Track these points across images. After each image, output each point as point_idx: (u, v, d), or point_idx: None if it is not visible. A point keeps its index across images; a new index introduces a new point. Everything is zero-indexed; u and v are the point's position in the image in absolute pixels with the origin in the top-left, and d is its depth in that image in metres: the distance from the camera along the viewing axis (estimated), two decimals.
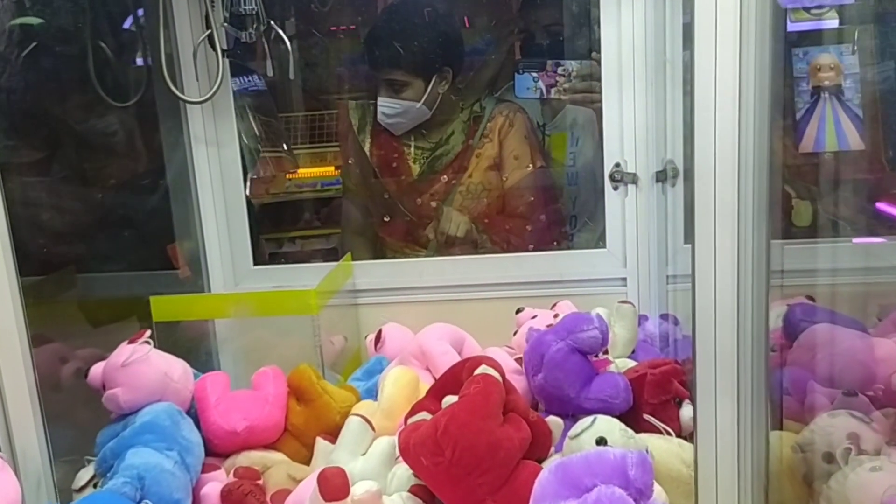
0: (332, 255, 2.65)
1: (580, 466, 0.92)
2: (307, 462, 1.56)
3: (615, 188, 1.99)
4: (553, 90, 2.32)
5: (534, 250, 2.25)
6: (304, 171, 2.75)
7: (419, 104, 2.18)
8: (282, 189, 2.72)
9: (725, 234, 1.21)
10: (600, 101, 2.12)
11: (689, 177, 1.85)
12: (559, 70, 2.31)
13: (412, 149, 2.28)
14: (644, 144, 1.93)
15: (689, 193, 1.82)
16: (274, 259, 2.63)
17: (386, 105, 2.19)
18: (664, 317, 1.93)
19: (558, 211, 2.39)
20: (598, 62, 2.17)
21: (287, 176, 2.73)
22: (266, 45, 2.01)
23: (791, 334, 1.48)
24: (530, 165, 2.28)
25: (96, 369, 1.47)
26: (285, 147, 2.62)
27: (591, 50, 2.24)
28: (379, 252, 2.38)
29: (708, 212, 1.21)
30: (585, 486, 0.90)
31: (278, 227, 2.77)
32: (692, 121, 1.20)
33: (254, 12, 1.89)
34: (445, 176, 2.25)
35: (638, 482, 0.89)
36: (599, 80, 2.18)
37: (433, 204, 2.27)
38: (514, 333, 1.83)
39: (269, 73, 2.09)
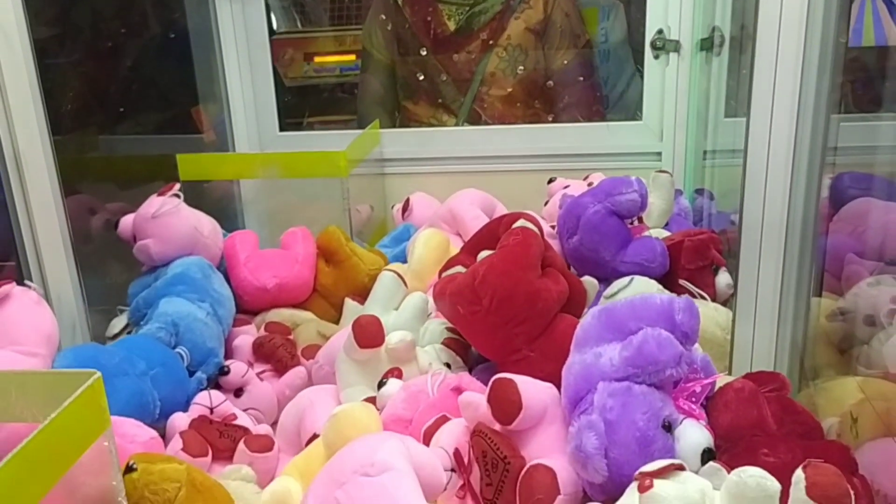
0: None
1: (625, 311, 0.91)
2: (335, 322, 1.57)
3: (656, 56, 1.90)
4: None
5: (568, 122, 2.19)
6: (323, 56, 2.67)
7: None
8: (300, 73, 2.64)
9: (784, 107, 1.15)
10: None
11: (736, 46, 1.77)
12: None
13: (447, 5, 2.20)
14: (690, 8, 1.83)
15: (735, 64, 1.76)
16: None
17: None
18: (699, 191, 1.88)
19: (594, 85, 2.31)
20: None
21: (305, 60, 2.65)
22: None
23: (837, 204, 1.43)
24: (573, 42, 2.19)
25: (126, 220, 1.46)
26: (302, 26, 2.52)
27: None
28: (402, 125, 2.32)
29: (767, 82, 1.14)
30: (630, 329, 0.88)
31: (297, 113, 2.70)
32: None
33: None
34: (484, 34, 2.17)
35: (684, 325, 0.87)
36: None
37: (469, 63, 2.18)
38: (546, 204, 1.80)
39: None
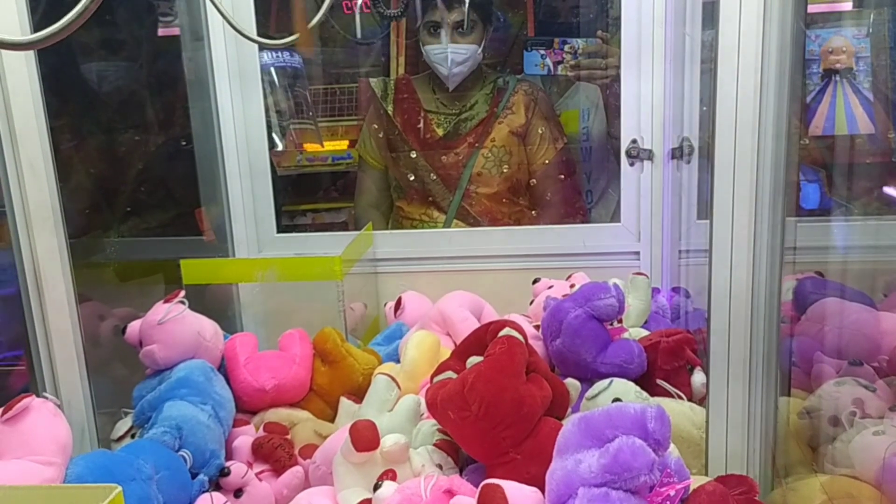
0: (343, 228, 2.70)
1: (602, 419, 0.99)
2: (331, 420, 1.63)
3: (631, 164, 2.04)
4: (560, 67, 2.38)
5: (551, 223, 2.31)
6: (315, 145, 2.79)
7: (479, 49, 2.26)
8: (293, 163, 2.76)
9: (743, 210, 1.25)
10: (604, 77, 2.20)
11: (704, 154, 1.91)
12: (565, 48, 2.37)
13: (435, 115, 2.35)
14: (661, 121, 1.98)
15: (704, 170, 1.89)
16: (286, 231, 2.68)
17: (456, 52, 2.23)
18: (676, 290, 1.98)
19: (575, 185, 2.44)
20: (604, 40, 2.28)
21: (298, 149, 2.77)
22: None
23: (801, 307, 1.53)
24: (553, 144, 2.34)
25: (133, 327, 1.54)
26: (310, 120, 2.66)
27: (597, 28, 2.31)
28: (395, 224, 2.44)
29: (726, 188, 1.25)
30: (607, 437, 0.96)
31: (290, 201, 2.81)
32: (713, 98, 1.24)
33: None
34: (470, 138, 2.31)
35: (656, 434, 0.95)
36: (604, 56, 2.25)
37: (457, 164, 2.32)
38: (531, 303, 1.89)
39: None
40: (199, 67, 2.08)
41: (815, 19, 2.07)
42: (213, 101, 2.10)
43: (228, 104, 2.11)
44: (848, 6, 2.08)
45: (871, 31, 2.05)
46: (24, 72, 1.27)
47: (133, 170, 2.15)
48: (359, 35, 2.77)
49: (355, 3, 2.52)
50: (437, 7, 2.17)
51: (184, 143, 2.17)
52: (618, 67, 2.05)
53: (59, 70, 1.87)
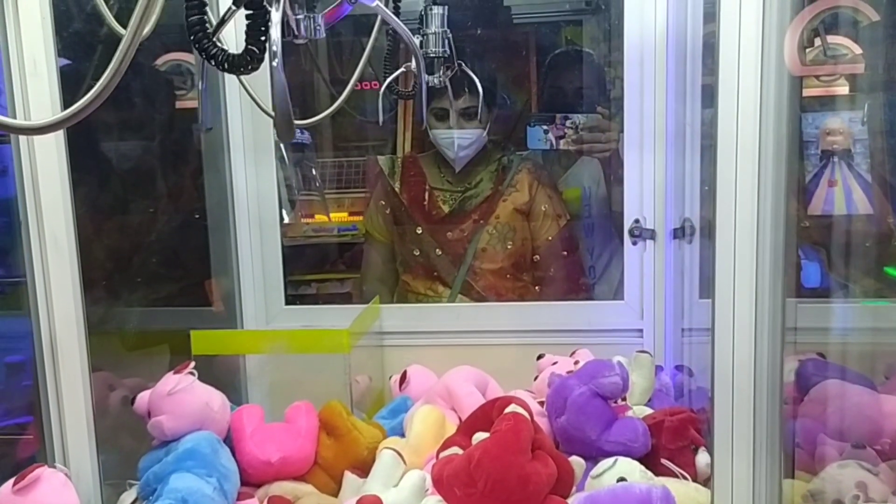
0: (347, 299, 2.73)
1: (608, 499, 1.00)
2: (334, 494, 1.62)
3: (634, 243, 2.08)
4: (562, 141, 2.46)
5: (555, 300, 2.34)
6: (321, 216, 2.85)
7: (484, 132, 2.33)
8: (299, 233, 2.81)
9: (744, 291, 1.28)
10: (605, 150, 2.31)
11: (705, 234, 1.95)
12: (567, 123, 2.46)
13: (441, 192, 2.41)
14: (663, 202, 2.03)
15: (705, 250, 1.93)
16: (291, 301, 2.71)
17: (462, 137, 2.30)
18: (679, 368, 2.00)
19: (578, 262, 2.48)
20: (604, 116, 2.38)
21: (304, 220, 2.83)
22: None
23: (803, 388, 1.55)
24: (556, 221, 2.39)
25: (142, 397, 1.56)
26: (318, 192, 2.72)
27: (597, 104, 2.42)
28: (400, 298, 2.47)
29: (727, 268, 1.29)
30: None
31: (294, 271, 2.85)
32: (714, 180, 1.29)
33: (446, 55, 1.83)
34: (475, 214, 2.37)
35: None
36: (604, 131, 2.34)
37: (462, 240, 2.37)
38: (535, 378, 1.91)
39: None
40: (215, 140, 2.15)
41: (811, 104, 2.14)
42: (227, 174, 2.16)
43: (242, 177, 2.17)
44: (844, 90, 2.15)
45: (866, 116, 2.12)
46: (52, 149, 1.32)
47: (146, 240, 2.20)
48: (369, 113, 2.87)
49: (373, 85, 2.61)
50: (445, 94, 2.25)
51: (196, 216, 2.22)
52: (617, 140, 2.11)
53: (77, 141, 1.94)
